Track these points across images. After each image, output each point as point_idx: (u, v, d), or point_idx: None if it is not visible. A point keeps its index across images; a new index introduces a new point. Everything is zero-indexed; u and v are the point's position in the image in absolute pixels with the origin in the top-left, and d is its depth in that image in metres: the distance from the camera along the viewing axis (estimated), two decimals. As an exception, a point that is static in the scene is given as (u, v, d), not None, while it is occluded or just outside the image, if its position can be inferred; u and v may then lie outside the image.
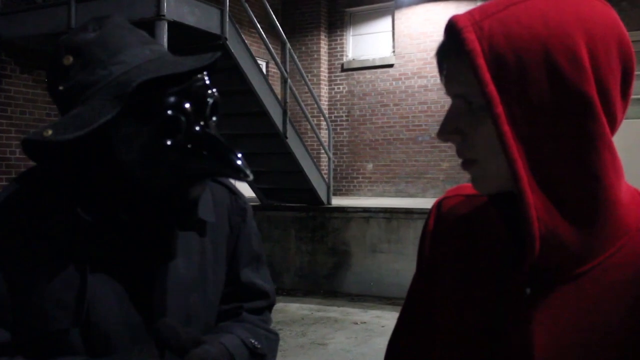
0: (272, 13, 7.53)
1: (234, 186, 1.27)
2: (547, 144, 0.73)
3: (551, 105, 0.71)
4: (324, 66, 11.39)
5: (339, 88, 11.38)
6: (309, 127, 9.68)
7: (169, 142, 0.95)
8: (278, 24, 7.76)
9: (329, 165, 8.83)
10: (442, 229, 0.95)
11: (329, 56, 11.47)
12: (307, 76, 9.28)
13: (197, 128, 0.97)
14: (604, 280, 0.76)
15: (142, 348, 1.01)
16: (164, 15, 5.53)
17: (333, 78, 11.44)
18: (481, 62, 0.72)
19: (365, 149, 11.11)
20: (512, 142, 0.72)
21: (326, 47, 11.46)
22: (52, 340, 0.98)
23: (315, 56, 11.34)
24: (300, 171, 8.00)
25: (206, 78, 1.00)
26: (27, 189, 1.03)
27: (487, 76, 0.72)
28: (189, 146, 0.96)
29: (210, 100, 0.99)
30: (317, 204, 8.30)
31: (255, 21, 7.14)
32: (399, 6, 10.73)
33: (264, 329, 1.24)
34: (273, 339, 1.27)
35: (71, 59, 1.00)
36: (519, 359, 0.77)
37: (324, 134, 10.03)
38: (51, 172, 1.05)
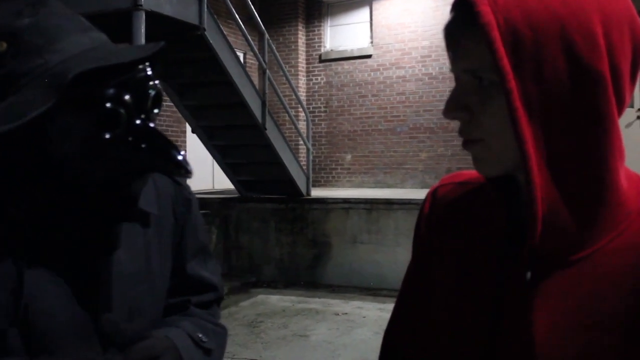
0: (250, 3, 7.48)
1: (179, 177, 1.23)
2: (557, 124, 0.72)
3: (565, 83, 0.70)
4: (301, 57, 11.35)
5: (317, 79, 11.36)
6: (287, 118, 9.65)
7: (107, 136, 0.91)
8: (256, 15, 7.71)
9: (307, 157, 8.82)
10: (438, 216, 0.95)
11: (306, 47, 11.44)
12: (285, 67, 9.24)
13: (138, 121, 0.93)
14: (605, 264, 0.75)
15: (85, 345, 0.97)
16: (141, 5, 5.45)
17: (311, 69, 11.41)
18: (496, 35, 0.70)
19: (343, 139, 11.11)
20: (523, 119, 0.71)
21: (304, 37, 11.42)
22: None
23: (293, 47, 11.30)
24: (279, 163, 7.98)
25: (148, 69, 0.96)
26: None
27: (501, 50, 0.70)
28: (129, 139, 0.92)
29: (152, 92, 0.95)
30: (297, 195, 8.29)
31: (234, 11, 7.08)
32: (377, -3, 10.73)
33: (212, 323, 1.22)
34: (221, 333, 1.24)
35: (5, 45, 0.93)
36: (519, 343, 0.77)
37: (302, 125, 10.00)
38: None
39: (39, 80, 0.90)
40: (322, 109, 11.28)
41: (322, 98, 11.29)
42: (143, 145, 0.93)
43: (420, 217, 0.98)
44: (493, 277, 0.82)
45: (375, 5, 10.79)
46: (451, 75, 0.81)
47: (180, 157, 0.93)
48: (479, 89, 0.76)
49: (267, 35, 7.97)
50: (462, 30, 0.76)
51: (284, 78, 8.73)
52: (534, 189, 0.71)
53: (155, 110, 0.97)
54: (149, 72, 0.96)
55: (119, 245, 1.03)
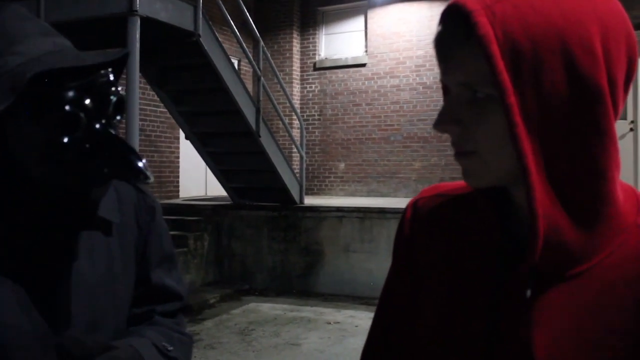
0: (245, 10, 7.48)
1: (143, 185, 1.20)
2: (557, 138, 0.70)
3: (565, 96, 0.69)
4: (296, 65, 11.36)
5: (311, 87, 11.36)
6: (281, 125, 9.65)
7: (66, 140, 0.90)
8: (251, 22, 7.72)
9: (301, 165, 8.81)
10: (420, 229, 0.92)
11: (301, 55, 11.45)
12: (280, 75, 9.24)
13: (98, 126, 0.92)
14: (604, 278, 0.74)
15: (43, 359, 0.95)
16: (136, 11, 5.44)
17: (305, 77, 11.42)
18: (494, 48, 0.68)
19: (337, 148, 11.10)
20: (523, 134, 0.69)
21: (299, 45, 11.43)
22: None
23: (288, 55, 11.30)
24: (272, 170, 7.96)
25: (111, 75, 0.94)
26: None
27: (500, 64, 0.68)
28: (87, 145, 0.91)
29: (113, 98, 0.94)
30: (290, 203, 8.27)
31: (229, 18, 7.08)
32: (372, 6, 10.75)
33: (177, 332, 1.20)
34: (187, 342, 1.22)
35: None
36: (518, 359, 0.75)
37: (296, 133, 10.00)
38: None
39: None
40: (316, 117, 11.28)
41: (316, 106, 11.29)
42: (104, 153, 0.91)
43: (400, 230, 0.95)
44: (488, 292, 0.80)
45: (370, 14, 10.81)
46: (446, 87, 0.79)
47: (139, 164, 0.92)
48: (473, 102, 0.74)
49: (262, 43, 7.97)
50: (456, 41, 0.73)
51: (279, 85, 8.72)
52: (535, 204, 0.70)
53: (117, 117, 0.96)
54: (111, 78, 0.94)
55: (79, 254, 1.01)
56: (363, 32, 10.98)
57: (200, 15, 6.36)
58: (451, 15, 0.73)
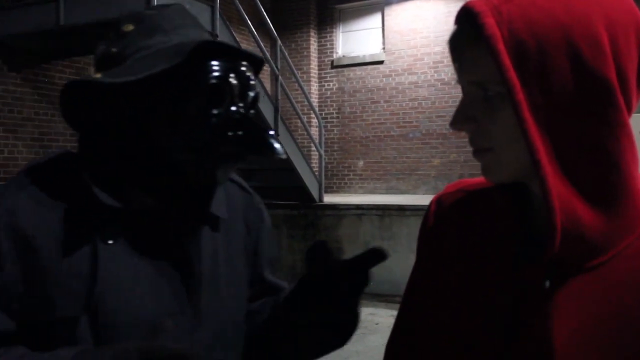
0: (262, 10, 7.50)
1: (247, 185, 1.24)
2: (568, 132, 0.71)
3: (573, 91, 0.70)
4: (314, 63, 11.37)
5: (329, 85, 11.37)
6: (299, 124, 9.66)
7: (212, 111, 0.98)
8: (269, 21, 7.74)
9: (320, 163, 8.82)
10: (443, 225, 0.94)
11: (318, 53, 11.46)
12: (298, 73, 9.26)
13: (235, 108, 0.99)
14: (623, 269, 0.75)
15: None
16: (153, 13, 5.48)
17: (323, 75, 11.42)
18: (501, 47, 0.70)
19: (355, 146, 11.10)
20: (533, 129, 0.71)
21: (316, 44, 11.44)
22: (60, 329, 0.94)
23: (305, 53, 11.32)
24: (291, 169, 7.98)
25: (252, 74, 1.04)
26: (44, 171, 1.01)
27: (507, 62, 0.70)
28: (228, 121, 0.98)
29: (251, 93, 1.02)
30: (309, 201, 8.29)
31: (246, 18, 7.11)
32: (389, 3, 10.72)
33: None
34: None
35: (131, 26, 1.02)
36: (539, 353, 0.76)
37: (314, 131, 10.01)
38: (71, 155, 1.05)
39: (162, 51, 0.98)
40: (335, 115, 11.28)
41: (334, 104, 11.29)
42: (239, 133, 0.98)
43: (424, 226, 0.97)
44: (508, 285, 0.81)
45: (387, 11, 10.79)
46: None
47: (273, 141, 0.98)
48: (485, 100, 0.76)
49: (279, 42, 7.99)
50: (466, 42, 0.76)
51: (296, 84, 8.74)
52: (550, 198, 0.71)
53: (251, 111, 1.03)
54: (252, 75, 1.03)
55: (191, 248, 1.05)
56: (380, 29, 10.96)
57: (218, 16, 6.38)
58: (462, 17, 0.76)
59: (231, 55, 1.01)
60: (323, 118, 10.94)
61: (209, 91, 0.97)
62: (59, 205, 0.97)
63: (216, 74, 0.97)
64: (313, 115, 9.89)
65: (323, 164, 8.90)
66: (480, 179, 0.93)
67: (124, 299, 0.97)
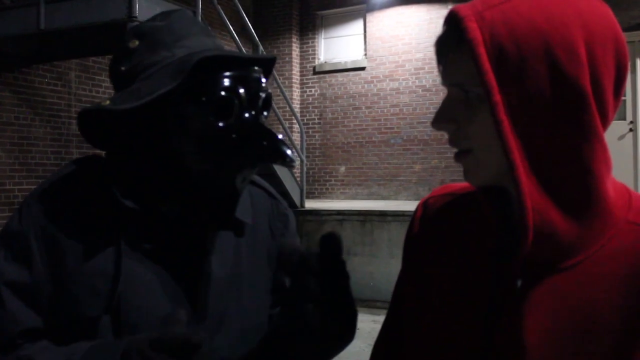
0: (244, 15, 7.50)
1: (274, 191, 1.25)
2: (542, 135, 0.74)
3: (548, 97, 0.73)
4: (295, 69, 11.38)
5: (310, 91, 11.38)
6: (281, 130, 9.67)
7: (221, 124, 0.98)
8: (250, 26, 7.74)
9: (301, 168, 8.82)
10: (429, 228, 0.96)
11: (300, 59, 11.47)
12: (279, 79, 9.26)
13: (247, 115, 1.00)
14: (595, 271, 0.77)
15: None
16: (135, 17, 5.45)
17: (305, 81, 11.43)
18: (481, 50, 0.73)
19: (337, 151, 11.11)
20: (508, 131, 0.73)
21: (298, 49, 11.45)
22: (83, 327, 0.97)
23: (287, 59, 11.32)
24: (273, 174, 7.98)
25: (262, 76, 1.04)
26: (72, 176, 1.04)
27: (486, 65, 0.73)
28: (237, 134, 0.98)
29: (262, 95, 1.02)
30: (291, 207, 8.24)
31: (228, 23, 7.10)
32: (371, 9, 10.77)
33: None
34: None
35: (137, 42, 1.04)
36: (513, 349, 0.78)
37: (296, 137, 10.01)
38: (98, 160, 1.07)
39: (166, 68, 0.99)
40: (316, 121, 11.29)
41: (316, 110, 11.31)
42: (253, 141, 0.99)
43: (410, 229, 0.99)
44: (485, 285, 0.83)
45: (369, 18, 10.84)
46: (445, 88, 0.84)
47: (286, 149, 0.99)
48: (466, 102, 0.79)
49: (261, 47, 7.99)
50: (450, 44, 0.79)
51: (278, 90, 8.74)
52: (523, 198, 0.73)
53: (265, 113, 1.04)
54: (262, 78, 1.03)
55: (213, 251, 1.06)
56: (362, 36, 11.00)
57: (199, 20, 6.36)
58: (448, 21, 0.79)
59: (239, 61, 1.01)
60: (305, 124, 10.95)
61: (217, 104, 0.98)
62: (85, 208, 1.01)
63: (223, 84, 0.98)
64: (295, 121, 9.90)
65: (305, 169, 8.90)
66: (466, 183, 0.95)
67: (144, 299, 0.99)
